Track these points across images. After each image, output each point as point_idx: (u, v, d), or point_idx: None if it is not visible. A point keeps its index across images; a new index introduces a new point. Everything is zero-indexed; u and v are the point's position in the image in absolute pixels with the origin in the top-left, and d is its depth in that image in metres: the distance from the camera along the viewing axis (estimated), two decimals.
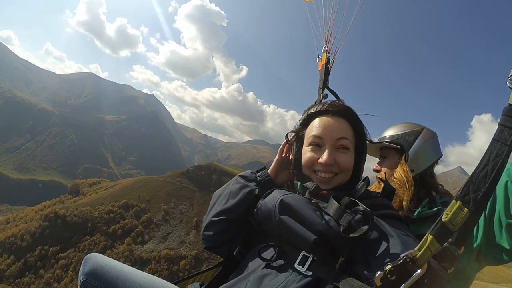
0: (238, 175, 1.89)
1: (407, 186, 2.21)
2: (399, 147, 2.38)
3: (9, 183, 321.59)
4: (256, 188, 1.77)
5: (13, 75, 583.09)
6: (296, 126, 1.83)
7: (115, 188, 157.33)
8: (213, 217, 1.78)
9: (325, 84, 2.61)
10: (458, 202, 1.15)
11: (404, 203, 2.14)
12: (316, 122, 1.68)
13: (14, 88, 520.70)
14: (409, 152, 2.35)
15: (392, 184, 2.12)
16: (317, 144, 1.64)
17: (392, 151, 2.44)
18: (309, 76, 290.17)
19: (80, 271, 1.69)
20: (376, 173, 2.49)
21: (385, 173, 2.40)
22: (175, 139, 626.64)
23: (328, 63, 2.69)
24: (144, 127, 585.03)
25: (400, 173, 2.29)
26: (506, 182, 1.57)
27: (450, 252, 1.16)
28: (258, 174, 1.87)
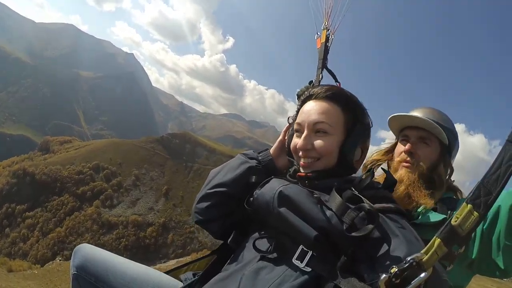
0: (240, 153, 1.87)
1: (439, 188, 2.02)
2: (446, 142, 2.06)
3: None
4: (256, 165, 1.75)
5: None
6: (293, 116, 1.81)
7: (87, 148, 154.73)
8: (208, 189, 1.74)
9: (324, 63, 2.50)
10: (469, 205, 1.11)
11: (425, 203, 1.90)
12: (303, 108, 1.65)
13: None
14: (452, 154, 2.13)
15: (423, 175, 1.99)
16: (299, 131, 1.62)
17: (436, 141, 2.07)
18: (296, 58, 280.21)
19: (71, 263, 1.64)
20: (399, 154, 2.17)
21: (422, 161, 2.04)
22: (150, 103, 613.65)
23: (328, 41, 2.57)
24: (120, 87, 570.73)
25: (442, 172, 2.05)
26: None
27: (451, 251, 1.15)
28: (260, 154, 1.84)
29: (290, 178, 1.59)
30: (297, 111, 1.72)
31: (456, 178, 2.13)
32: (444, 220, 1.74)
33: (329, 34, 2.60)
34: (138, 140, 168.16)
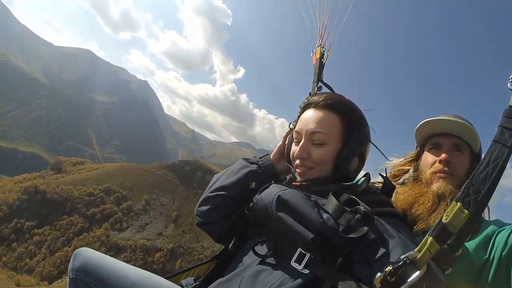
0: (241, 158, 1.93)
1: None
2: (478, 152, 1.99)
3: None
4: (256, 170, 1.80)
5: (10, 39, 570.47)
6: (293, 123, 1.84)
7: (99, 171, 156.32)
8: (209, 193, 1.80)
9: (319, 77, 2.57)
10: (458, 203, 1.15)
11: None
12: (302, 117, 1.69)
13: (9, 53, 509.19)
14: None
15: (460, 185, 1.80)
16: (297, 139, 1.67)
17: (468, 149, 1.96)
18: (304, 87, 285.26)
19: (70, 267, 1.64)
20: (435, 164, 1.97)
21: (460, 170, 1.92)
22: (162, 130, 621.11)
23: (322, 57, 2.66)
24: (133, 113, 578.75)
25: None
26: None
27: (449, 254, 1.17)
28: (261, 159, 1.90)
29: (286, 185, 1.62)
30: (298, 118, 1.76)
31: None
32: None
33: (324, 51, 2.68)
34: (150, 165, 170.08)
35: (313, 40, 2.77)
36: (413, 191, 1.93)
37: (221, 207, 1.78)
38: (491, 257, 1.60)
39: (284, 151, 1.87)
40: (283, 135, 1.94)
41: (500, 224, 1.71)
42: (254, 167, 1.82)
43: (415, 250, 1.13)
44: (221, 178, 1.86)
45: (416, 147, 2.21)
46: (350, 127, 1.62)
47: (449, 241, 1.16)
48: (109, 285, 1.56)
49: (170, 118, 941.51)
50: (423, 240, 1.15)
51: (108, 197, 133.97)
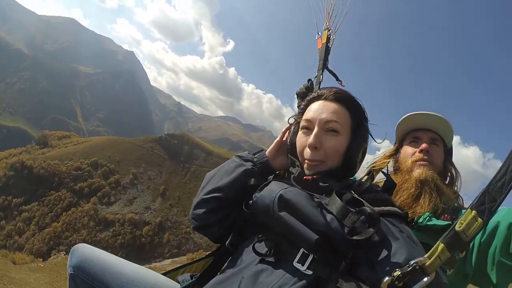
0: (235, 155, 1.85)
1: (451, 187, 2.11)
2: (450, 147, 2.19)
3: None
4: (252, 168, 1.74)
5: None
6: (297, 115, 1.80)
7: (85, 144, 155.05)
8: (204, 195, 1.72)
9: (324, 64, 2.52)
10: (473, 211, 1.13)
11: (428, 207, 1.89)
12: (310, 107, 1.65)
13: None
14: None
15: (439, 173, 2.05)
16: (308, 128, 1.61)
17: (442, 144, 2.15)
18: (295, 64, 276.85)
19: (68, 263, 1.64)
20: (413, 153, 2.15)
21: (434, 160, 2.09)
22: (148, 102, 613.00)
23: (329, 42, 2.59)
24: (119, 84, 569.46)
25: (452, 171, 2.16)
26: (510, 223, 1.56)
27: (453, 255, 1.15)
28: (255, 155, 1.83)
29: (293, 181, 1.57)
30: (301, 111, 1.72)
31: None
32: (448, 226, 1.68)
33: (330, 34, 2.60)
34: (137, 139, 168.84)
35: (319, 22, 2.65)
36: (396, 180, 1.89)
37: (217, 210, 1.70)
38: (471, 245, 1.66)
39: (281, 147, 1.83)
40: (282, 131, 1.89)
41: None
42: (249, 165, 1.75)
43: (425, 256, 1.11)
44: (215, 178, 1.77)
45: (395, 143, 2.33)
46: (357, 122, 1.62)
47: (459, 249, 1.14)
48: (105, 282, 1.54)
49: (157, 90, 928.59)
50: (433, 247, 1.12)
51: (95, 171, 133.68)
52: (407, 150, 2.18)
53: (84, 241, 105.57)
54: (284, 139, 1.85)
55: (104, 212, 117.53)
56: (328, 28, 2.60)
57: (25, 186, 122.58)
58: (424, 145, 2.07)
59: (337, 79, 2.41)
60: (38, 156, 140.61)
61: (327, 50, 2.54)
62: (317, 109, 1.59)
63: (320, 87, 2.28)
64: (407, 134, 2.24)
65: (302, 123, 1.63)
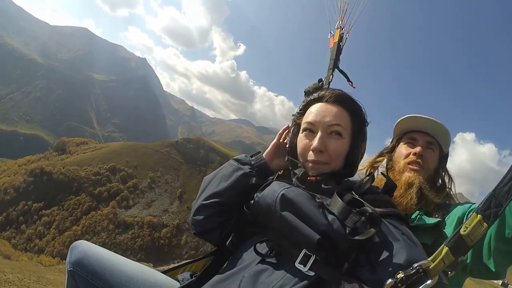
0: (232, 159, 1.84)
1: (441, 192, 2.11)
2: (446, 152, 2.22)
3: None
4: (250, 171, 1.73)
5: (5, 21, 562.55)
6: (295, 115, 1.78)
7: (103, 150, 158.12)
8: (203, 200, 1.71)
9: (335, 64, 2.49)
10: (478, 216, 1.12)
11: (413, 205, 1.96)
12: (311, 109, 1.64)
13: (6, 35, 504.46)
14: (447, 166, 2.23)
15: (431, 178, 2.10)
16: (310, 130, 1.59)
17: (438, 148, 2.18)
18: (306, 66, 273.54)
19: (67, 260, 1.63)
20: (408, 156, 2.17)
21: (427, 164, 2.12)
22: (161, 107, 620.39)
23: (341, 41, 2.56)
24: (133, 90, 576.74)
25: (443, 177, 2.18)
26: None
27: (456, 259, 1.14)
28: (252, 158, 1.82)
29: (297, 182, 1.57)
30: (301, 112, 1.72)
31: (465, 188, 2.39)
32: (438, 223, 1.82)
33: (343, 33, 2.57)
34: (154, 144, 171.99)
35: (332, 21, 2.64)
36: None
37: (217, 215, 1.71)
38: None
39: (279, 149, 1.84)
40: (279, 132, 1.90)
41: (469, 205, 1.88)
42: (247, 168, 1.74)
43: (429, 259, 1.11)
44: (213, 183, 1.76)
45: (392, 140, 2.36)
46: (358, 125, 1.63)
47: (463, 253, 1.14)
48: (105, 280, 1.54)
49: (169, 95, 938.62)
50: (437, 250, 1.12)
51: (114, 176, 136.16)
52: (402, 150, 2.21)
53: (104, 243, 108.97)
54: (281, 141, 1.85)
55: (123, 215, 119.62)
56: (341, 26, 2.56)
57: (45, 191, 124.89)
58: (419, 148, 2.09)
59: (348, 79, 2.38)
60: (57, 162, 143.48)
61: (339, 49, 2.50)
62: (319, 112, 1.59)
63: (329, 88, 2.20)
64: (404, 134, 2.26)
65: (304, 125, 1.62)
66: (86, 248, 1.64)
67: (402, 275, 1.07)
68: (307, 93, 1.77)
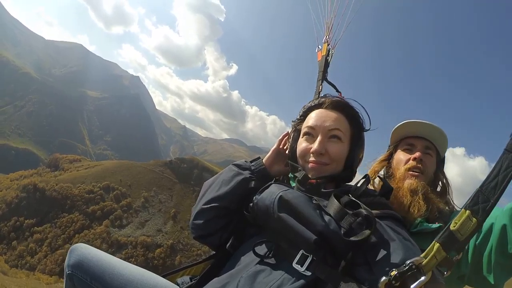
0: (232, 164, 1.86)
1: (443, 196, 2.12)
2: (443, 156, 2.23)
3: None
4: (250, 176, 1.76)
5: (1, 33, 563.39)
6: (295, 121, 1.83)
7: (97, 168, 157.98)
8: (204, 204, 1.73)
9: (324, 76, 2.56)
10: (467, 211, 1.16)
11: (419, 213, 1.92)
12: (311, 114, 1.71)
13: (1, 46, 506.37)
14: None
15: (431, 183, 2.10)
16: (310, 134, 1.65)
17: (435, 153, 2.18)
18: (297, 85, 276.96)
19: (66, 263, 1.63)
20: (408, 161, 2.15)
21: (426, 169, 2.11)
22: (153, 126, 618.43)
23: (328, 55, 2.62)
24: (125, 108, 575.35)
25: (443, 181, 2.19)
26: (505, 225, 1.57)
27: (450, 257, 1.18)
28: (252, 163, 1.86)
29: (298, 185, 1.61)
30: (301, 117, 1.79)
31: (458, 202, 2.13)
32: (440, 227, 1.81)
33: (330, 48, 2.64)
34: (148, 163, 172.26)
35: (319, 36, 2.73)
36: None
37: (217, 219, 1.73)
38: (467, 246, 1.68)
39: (279, 155, 1.89)
40: (279, 138, 1.94)
41: None
42: (247, 173, 1.78)
43: (421, 256, 1.16)
44: (213, 187, 1.80)
45: (389, 147, 2.38)
46: (356, 130, 1.70)
47: (454, 248, 1.17)
48: (104, 283, 1.55)
49: (162, 114, 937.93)
50: (429, 247, 1.16)
51: (107, 195, 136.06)
52: (400, 156, 2.22)
53: None
54: (281, 146, 1.91)
55: (116, 235, 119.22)
56: (327, 41, 2.66)
57: (38, 208, 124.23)
58: (418, 154, 2.11)
59: (337, 90, 2.44)
60: (50, 179, 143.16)
61: (326, 62, 2.58)
62: (319, 117, 1.66)
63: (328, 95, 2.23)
64: (401, 140, 2.28)
65: (305, 129, 1.69)
66: (86, 250, 1.64)
67: (396, 272, 1.11)
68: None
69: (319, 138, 1.60)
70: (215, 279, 1.46)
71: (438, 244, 1.15)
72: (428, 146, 2.16)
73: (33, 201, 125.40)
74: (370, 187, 1.91)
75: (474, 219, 1.14)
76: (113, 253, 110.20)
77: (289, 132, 1.86)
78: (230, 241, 1.71)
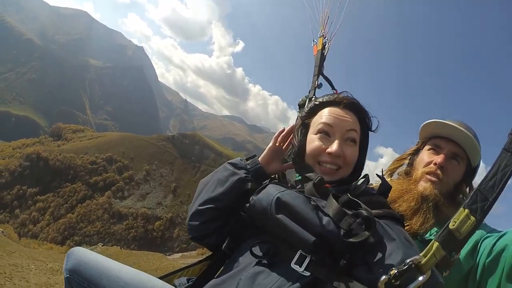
0: (227, 162, 1.80)
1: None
2: (474, 166, 1.99)
3: None
4: (245, 176, 1.69)
5: None
6: (302, 114, 1.77)
7: (100, 140, 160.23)
8: (199, 205, 1.68)
9: (320, 70, 2.48)
10: (466, 210, 1.15)
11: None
12: (326, 111, 1.64)
13: (5, 12, 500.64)
14: (473, 181, 2.00)
15: (447, 193, 1.91)
16: (326, 133, 1.60)
17: (465, 161, 1.95)
18: (303, 69, 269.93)
19: (64, 267, 1.62)
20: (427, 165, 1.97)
21: (451, 178, 1.92)
22: (155, 98, 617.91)
23: (324, 49, 2.56)
24: (127, 79, 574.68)
25: (465, 193, 1.96)
26: None
27: (449, 257, 1.16)
28: (248, 162, 1.79)
29: (313, 187, 1.49)
30: (311, 111, 1.72)
31: None
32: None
33: (325, 42, 2.60)
34: (150, 136, 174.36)
35: (314, 29, 2.69)
36: (400, 186, 1.95)
37: (213, 220, 1.68)
38: (476, 263, 1.63)
39: (275, 153, 1.83)
40: (274, 136, 1.87)
41: (488, 230, 1.72)
42: (242, 173, 1.70)
43: (421, 254, 1.14)
44: (209, 187, 1.73)
45: (417, 142, 2.20)
46: (366, 133, 1.69)
47: (453, 247, 1.16)
48: (102, 286, 1.54)
49: (164, 87, 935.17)
50: (428, 245, 1.15)
51: (110, 166, 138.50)
52: (424, 156, 2.05)
53: (98, 232, 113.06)
54: (277, 144, 1.85)
55: (118, 206, 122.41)
56: (323, 35, 2.63)
57: (41, 177, 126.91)
58: (440, 158, 1.92)
59: (332, 87, 2.43)
60: (54, 149, 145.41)
61: (322, 57, 2.55)
62: (337, 116, 1.61)
63: (315, 93, 2.31)
64: (431, 139, 2.08)
65: (319, 126, 1.63)
66: (83, 254, 1.63)
67: (395, 271, 1.10)
68: (301, 106, 1.82)
69: (337, 139, 1.56)
70: (213, 280, 1.45)
71: (437, 243, 1.13)
72: (456, 153, 1.95)
73: (36, 170, 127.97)
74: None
75: (472, 217, 1.14)
76: (114, 224, 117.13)
77: (294, 125, 1.82)
78: (226, 242, 1.68)
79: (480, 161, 2.00)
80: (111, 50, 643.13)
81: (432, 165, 1.94)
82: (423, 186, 1.90)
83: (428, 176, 1.93)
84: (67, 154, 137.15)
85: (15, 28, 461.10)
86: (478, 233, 1.70)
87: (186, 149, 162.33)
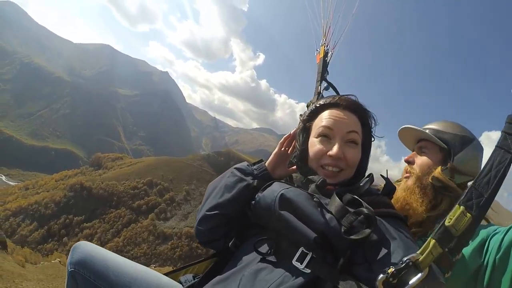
0: (234, 167, 1.80)
1: (443, 192, 1.90)
2: (445, 146, 1.98)
3: (22, 148, 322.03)
4: (253, 182, 1.68)
5: (31, 42, 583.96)
6: (303, 117, 1.76)
7: (139, 165, 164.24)
8: (207, 211, 1.69)
9: (323, 76, 2.54)
10: (461, 207, 1.17)
11: (422, 208, 1.86)
12: (326, 114, 1.63)
13: (32, 54, 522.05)
14: (456, 157, 1.95)
15: (419, 181, 1.95)
16: (327, 136, 1.59)
17: (435, 148, 2.03)
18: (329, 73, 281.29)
19: (68, 260, 1.61)
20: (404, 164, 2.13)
21: (417, 168, 2.02)
22: (185, 119, 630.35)
23: (326, 56, 2.61)
24: (156, 104, 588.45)
25: (440, 175, 1.92)
26: None
27: (449, 257, 1.16)
28: (255, 167, 1.78)
29: (316, 189, 1.52)
30: (311, 114, 1.71)
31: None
32: None
33: (327, 49, 2.64)
34: (186, 157, 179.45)
35: (317, 38, 2.75)
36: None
37: (221, 226, 1.69)
38: (485, 261, 1.59)
39: (281, 158, 1.83)
40: (280, 141, 1.87)
41: (494, 228, 1.70)
42: (249, 179, 1.70)
43: (418, 252, 1.14)
44: (216, 192, 1.73)
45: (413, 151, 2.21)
46: (367, 132, 1.68)
47: (450, 244, 1.16)
48: (109, 281, 1.54)
49: (192, 107, 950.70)
50: (425, 243, 1.15)
51: (151, 190, 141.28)
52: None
53: (145, 254, 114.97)
54: (283, 149, 1.84)
55: (162, 227, 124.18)
56: (325, 44, 2.67)
57: (85, 205, 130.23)
58: (405, 157, 2.11)
59: (337, 92, 2.42)
60: (96, 178, 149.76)
61: (324, 63, 2.59)
62: (337, 118, 1.60)
63: (318, 98, 2.31)
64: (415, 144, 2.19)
65: (320, 129, 1.61)
66: (90, 248, 1.63)
67: (393, 270, 1.09)
68: (309, 106, 1.79)
69: (337, 141, 1.56)
70: (217, 277, 1.45)
71: (434, 240, 1.15)
72: (420, 146, 2.09)
73: (80, 199, 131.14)
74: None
75: (468, 214, 1.15)
76: (159, 244, 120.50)
77: (296, 129, 1.81)
78: (233, 240, 1.69)
79: (460, 143, 1.98)
80: (137, 79, 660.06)
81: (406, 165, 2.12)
82: (402, 183, 2.04)
83: (404, 176, 2.08)
84: (109, 182, 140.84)
85: (44, 68, 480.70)
86: (484, 232, 1.68)
87: (222, 166, 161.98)
